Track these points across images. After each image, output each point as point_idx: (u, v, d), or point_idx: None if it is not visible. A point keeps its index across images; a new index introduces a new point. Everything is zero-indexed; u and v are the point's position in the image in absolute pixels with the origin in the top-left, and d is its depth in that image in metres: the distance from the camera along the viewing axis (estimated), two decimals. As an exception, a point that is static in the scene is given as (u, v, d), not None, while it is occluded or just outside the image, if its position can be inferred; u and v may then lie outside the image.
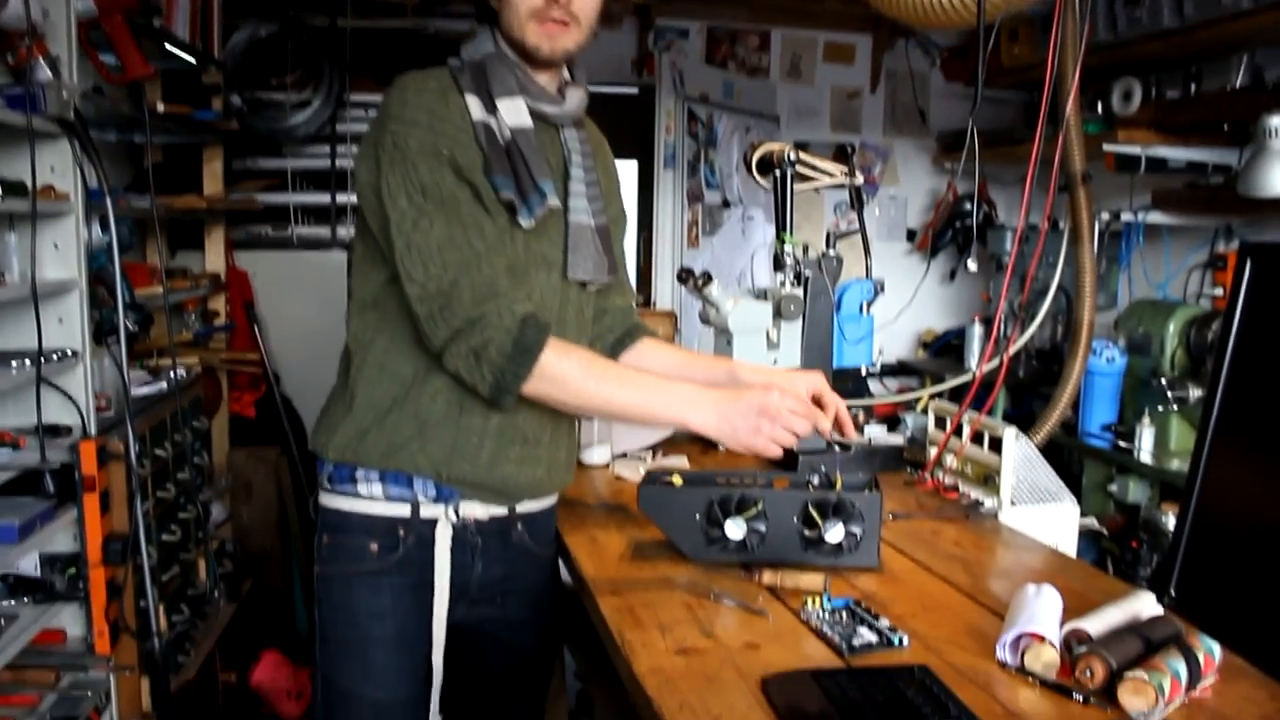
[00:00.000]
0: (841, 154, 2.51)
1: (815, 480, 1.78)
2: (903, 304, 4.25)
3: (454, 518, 1.72)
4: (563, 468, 1.86)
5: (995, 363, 2.45)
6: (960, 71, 5.23)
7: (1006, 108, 5.24)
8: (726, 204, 4.83)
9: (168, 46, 3.20)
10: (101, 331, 2.52)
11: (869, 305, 2.56)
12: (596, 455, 2.37)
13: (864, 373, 2.72)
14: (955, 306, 5.36)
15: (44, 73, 2.30)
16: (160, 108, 3.12)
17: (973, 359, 4.55)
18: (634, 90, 5.11)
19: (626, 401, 1.63)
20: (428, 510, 1.71)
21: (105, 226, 2.44)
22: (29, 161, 2.24)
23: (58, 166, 2.42)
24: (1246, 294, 1.21)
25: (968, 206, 5.25)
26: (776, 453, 1.63)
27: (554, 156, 1.74)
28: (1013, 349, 2.59)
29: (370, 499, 1.71)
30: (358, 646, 1.73)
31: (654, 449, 2.46)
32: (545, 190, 1.63)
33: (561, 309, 1.76)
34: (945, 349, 5.14)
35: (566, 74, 1.79)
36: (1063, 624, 1.40)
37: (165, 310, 3.00)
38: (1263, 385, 1.18)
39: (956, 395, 4.38)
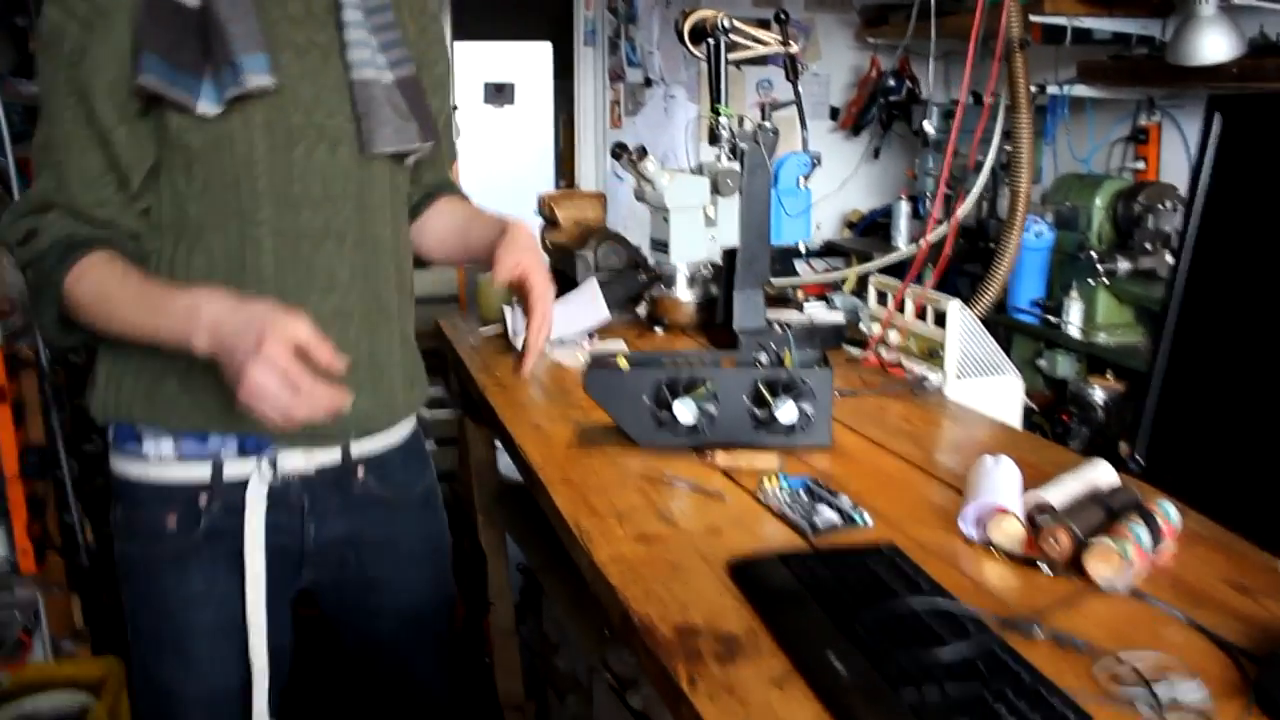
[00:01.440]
0: (776, 22, 2.41)
1: (764, 358, 1.73)
2: (829, 184, 4.21)
3: (269, 474, 1.44)
4: (400, 386, 1.55)
5: (940, 232, 2.42)
6: (883, -60, 5.11)
7: (930, -23, 5.15)
8: (649, 82, 4.70)
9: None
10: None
11: (806, 179, 2.50)
12: (531, 341, 2.29)
13: (802, 249, 2.67)
14: (880, 186, 5.33)
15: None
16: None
17: (900, 238, 4.53)
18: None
19: (130, 322, 1.30)
20: (234, 468, 1.43)
21: (-8, 108, 2.27)
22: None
23: None
24: (1216, 150, 1.17)
25: (890, 83, 5.19)
26: (267, 419, 1.19)
27: (315, 3, 1.40)
28: (960, 213, 2.56)
29: (160, 460, 1.43)
30: (173, 637, 1.47)
31: (590, 334, 2.39)
32: (245, 65, 1.29)
33: (362, 194, 1.45)
34: (871, 228, 5.11)
35: None
36: (1022, 496, 1.38)
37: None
38: (1232, 244, 1.15)
39: (886, 275, 4.41)
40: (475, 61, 7.39)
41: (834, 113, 5.33)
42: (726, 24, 2.30)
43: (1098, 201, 3.28)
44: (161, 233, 1.39)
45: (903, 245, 4.59)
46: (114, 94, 1.30)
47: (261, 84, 1.31)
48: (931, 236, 2.26)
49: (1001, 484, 1.38)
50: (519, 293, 1.53)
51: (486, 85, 7.83)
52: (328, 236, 1.43)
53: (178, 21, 1.29)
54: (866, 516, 1.41)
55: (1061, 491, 1.38)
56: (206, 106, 1.31)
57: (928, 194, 4.74)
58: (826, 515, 1.41)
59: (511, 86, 7.89)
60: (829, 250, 5.02)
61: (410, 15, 1.54)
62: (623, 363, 1.71)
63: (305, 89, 1.39)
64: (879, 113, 5.19)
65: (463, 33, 5.32)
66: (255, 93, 1.32)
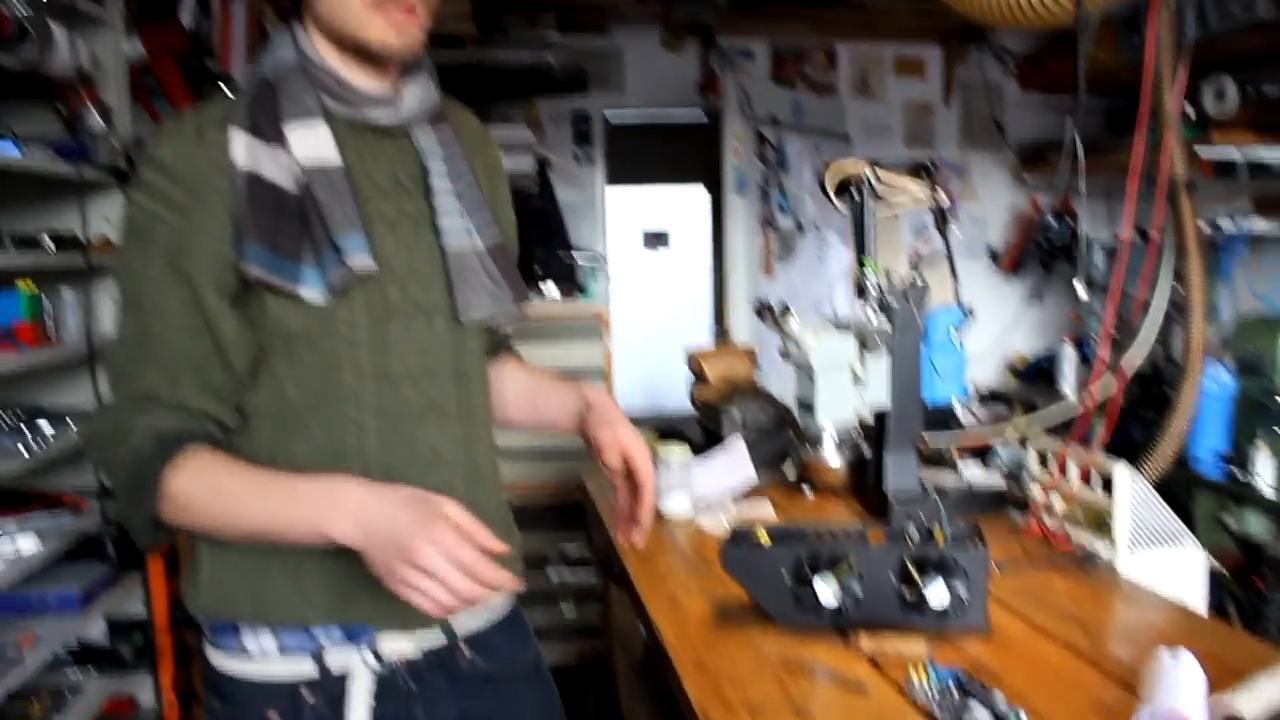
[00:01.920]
0: (923, 171, 2.35)
1: (913, 532, 1.62)
2: (989, 328, 4.07)
3: (374, 662, 1.37)
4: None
5: (1106, 386, 2.27)
6: (1037, 80, 5.05)
7: (1090, 117, 5.03)
8: (800, 229, 4.69)
9: (222, 87, 3.15)
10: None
11: (958, 332, 2.40)
12: (675, 504, 2.23)
13: (956, 406, 2.55)
14: (1044, 328, 5.16)
15: (95, 121, 2.25)
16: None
17: (1066, 384, 4.35)
18: (700, 115, 5.02)
19: (248, 516, 1.25)
20: (337, 659, 1.36)
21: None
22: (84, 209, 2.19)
23: (113, 216, 2.36)
24: None
25: (1052, 222, 5.04)
26: (426, 607, 1.16)
27: (402, 173, 1.39)
28: (1126, 364, 2.41)
29: (262, 656, 1.36)
30: None
31: (735, 495, 2.31)
32: (347, 247, 1.27)
33: (458, 364, 1.43)
34: (1036, 373, 4.93)
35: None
36: (1207, 701, 1.23)
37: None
38: None
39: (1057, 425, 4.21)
40: (631, 206, 7.53)
41: (993, 253, 5.22)
42: (871, 176, 2.25)
43: (1283, 345, 3.07)
44: (260, 420, 1.35)
45: (1069, 393, 4.41)
46: (218, 282, 1.28)
47: (365, 266, 1.29)
48: (1097, 391, 2.12)
49: (1181, 686, 1.24)
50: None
51: (645, 233, 7.95)
52: (429, 411, 1.40)
53: (277, 206, 1.28)
54: (1024, 717, 1.28)
55: (1256, 700, 1.23)
56: (310, 292, 1.29)
57: (1094, 337, 4.57)
58: (978, 716, 1.28)
59: (667, 232, 7.99)
60: (991, 397, 4.85)
61: (485, 177, 1.52)
62: (762, 536, 1.63)
63: (400, 263, 1.37)
64: (1040, 253, 5.06)
65: (616, 178, 5.45)
66: (362, 273, 1.30)
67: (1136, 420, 3.77)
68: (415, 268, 1.38)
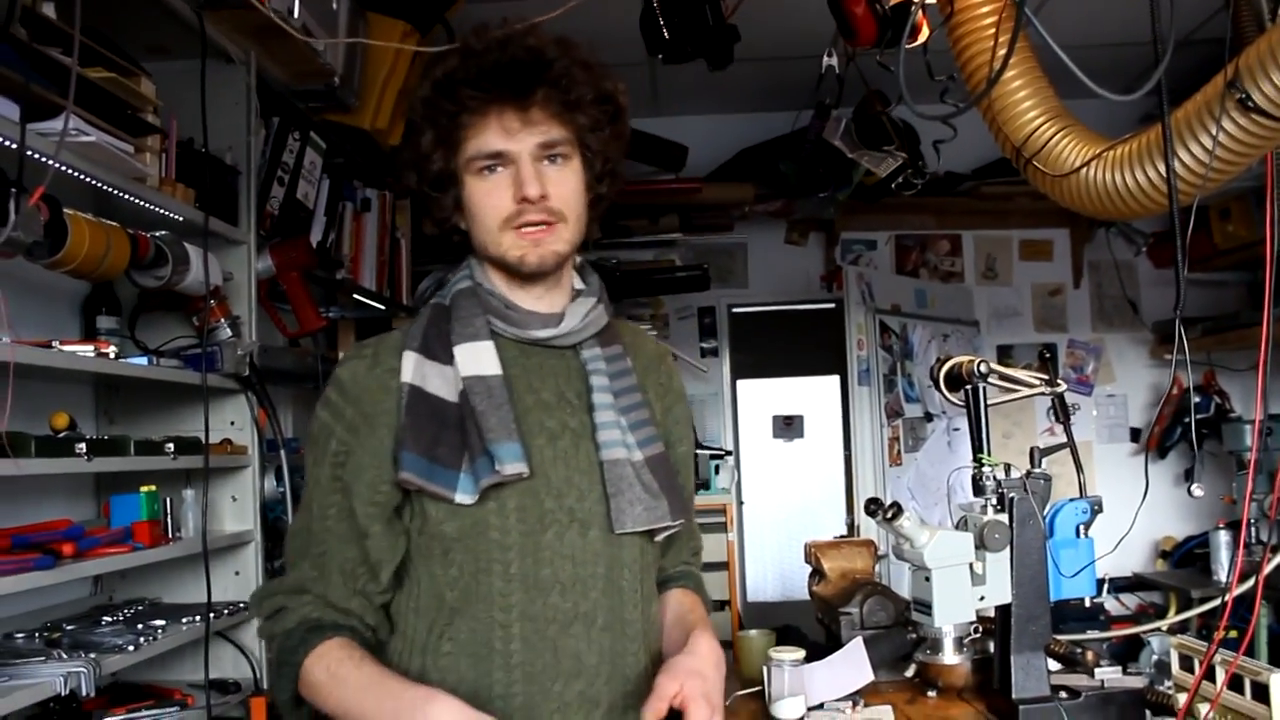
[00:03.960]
0: (1040, 360, 2.29)
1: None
2: (1132, 510, 3.83)
3: None
4: None
5: (1250, 583, 2.11)
6: (1169, 256, 4.92)
7: (1227, 290, 4.91)
8: (929, 417, 4.60)
9: (356, 297, 3.31)
10: (277, 585, 2.49)
11: (1086, 528, 2.28)
12: (789, 710, 2.13)
13: (1087, 604, 2.40)
14: (1195, 509, 4.89)
15: (224, 332, 2.36)
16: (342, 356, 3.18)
17: (1221, 570, 4.09)
18: (827, 305, 5.04)
19: (356, 704, 1.32)
20: None
21: (280, 479, 2.45)
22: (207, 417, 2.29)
23: (238, 420, 2.46)
24: None
25: (1196, 400, 4.86)
26: None
27: (566, 387, 1.46)
28: (1268, 567, 2.24)
29: None
30: None
31: (854, 699, 2.20)
32: (501, 454, 1.33)
33: (611, 576, 1.43)
34: (1187, 558, 4.65)
35: (577, 280, 1.53)
36: None
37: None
38: None
39: (1213, 614, 3.95)
40: (761, 397, 7.53)
41: (1135, 434, 5.03)
42: (984, 369, 2.19)
43: None
44: (413, 618, 1.42)
45: (1224, 578, 4.14)
46: (373, 495, 1.38)
47: (516, 471, 1.34)
48: (1238, 588, 1.97)
49: None
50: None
51: (775, 419, 7.93)
52: (575, 620, 1.40)
53: (438, 417, 1.36)
54: None
55: None
56: (463, 496, 1.35)
57: (1251, 520, 4.30)
58: None
59: (800, 419, 7.96)
60: (1140, 584, 4.58)
61: (657, 395, 1.58)
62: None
63: (557, 473, 1.41)
64: (1186, 432, 4.86)
65: (745, 371, 5.47)
66: (510, 480, 1.35)
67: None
68: (572, 479, 1.42)
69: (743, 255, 5.04)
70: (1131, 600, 4.67)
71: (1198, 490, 2.13)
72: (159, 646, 2.05)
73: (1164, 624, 2.51)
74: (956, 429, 4.64)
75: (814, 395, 7.75)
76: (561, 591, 1.39)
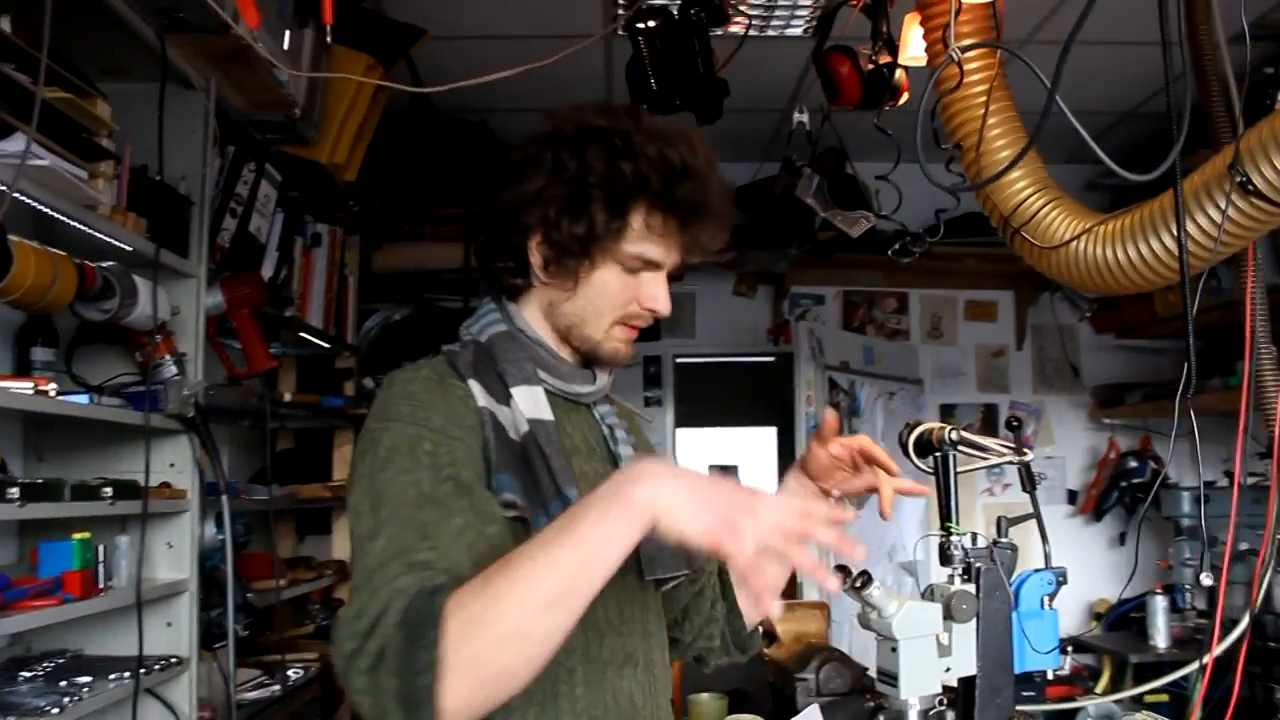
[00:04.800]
0: (1008, 429, 2.26)
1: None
2: (1069, 573, 3.84)
3: None
4: None
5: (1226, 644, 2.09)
6: (1111, 323, 5.02)
7: (1164, 357, 5.01)
8: (874, 472, 4.59)
9: (302, 335, 3.20)
10: (211, 636, 2.37)
11: (1051, 599, 2.26)
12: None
13: (1049, 676, 2.38)
14: (1127, 573, 4.92)
15: (169, 369, 2.26)
16: (288, 397, 3.08)
17: (1158, 635, 4.12)
18: (770, 359, 5.02)
19: (556, 559, 1.11)
20: None
21: (220, 525, 2.33)
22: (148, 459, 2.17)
23: (178, 462, 2.34)
24: None
25: (1132, 464, 4.93)
26: (747, 564, 1.07)
27: (590, 437, 1.49)
28: (1219, 644, 2.23)
29: None
30: None
31: (811, 770, 2.14)
32: (570, 495, 1.30)
33: (645, 619, 1.47)
34: (1121, 621, 4.68)
35: None
36: None
37: (278, 607, 2.84)
38: None
39: (1144, 675, 3.95)
40: (699, 446, 7.50)
41: (1071, 496, 5.08)
42: (954, 437, 2.16)
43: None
44: None
45: (1160, 643, 4.17)
46: (493, 499, 1.28)
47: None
48: (1217, 650, 1.95)
49: None
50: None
51: (711, 467, 7.90)
52: (627, 662, 1.42)
53: (513, 451, 1.33)
54: None
55: None
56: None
57: (1186, 586, 4.35)
58: None
59: (736, 468, 7.94)
60: (1076, 646, 4.60)
61: (646, 450, 1.64)
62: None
63: None
64: (1121, 496, 4.92)
65: (684, 422, 5.43)
66: None
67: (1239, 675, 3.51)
68: None
69: (691, 305, 5.01)
70: (1066, 661, 4.67)
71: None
72: (84, 707, 1.91)
73: (1140, 690, 2.50)
74: (899, 487, 4.62)
75: (751, 446, 7.74)
76: (614, 633, 1.41)
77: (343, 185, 3.08)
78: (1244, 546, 4.09)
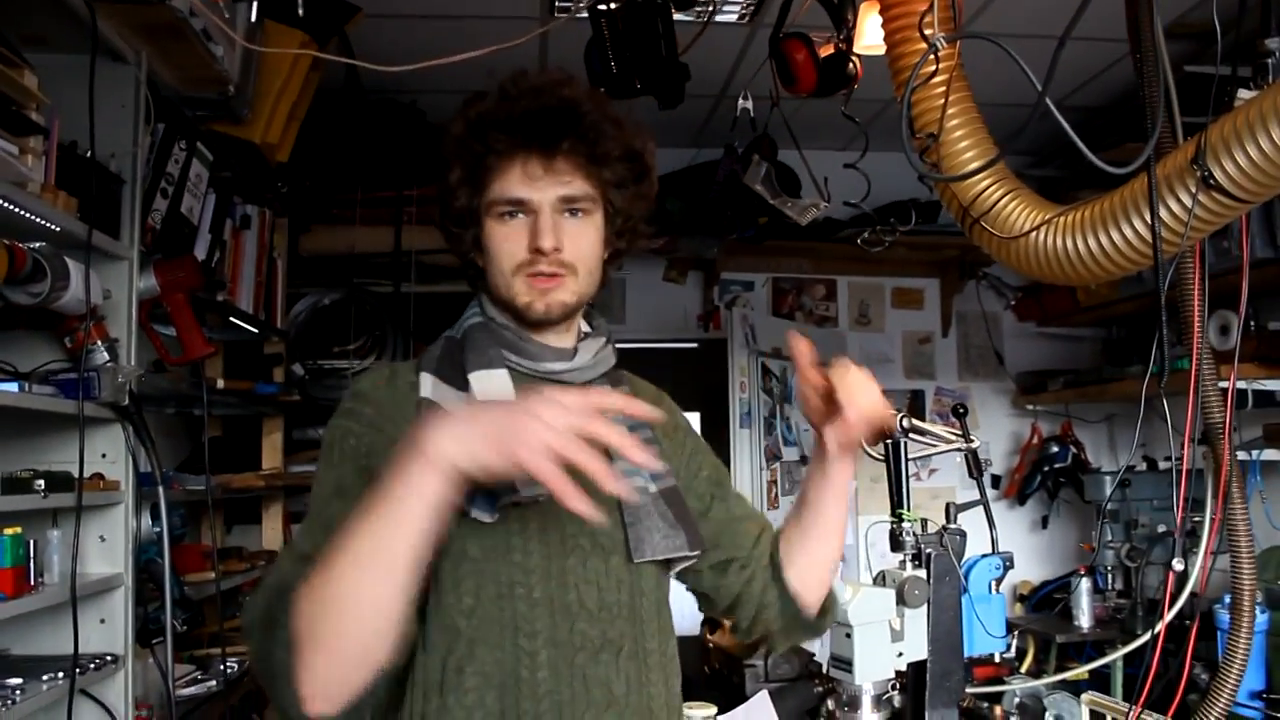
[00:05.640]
0: (955, 416, 2.29)
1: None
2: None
3: None
4: None
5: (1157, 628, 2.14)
6: (1034, 311, 5.12)
7: (1084, 344, 5.14)
8: (804, 460, 4.61)
9: (232, 319, 3.11)
10: (147, 632, 2.29)
11: (999, 584, 2.29)
12: (698, 769, 2.06)
13: (997, 659, 2.42)
14: (1049, 555, 5.07)
15: (101, 356, 2.17)
16: (220, 384, 2.99)
17: (1083, 616, 4.21)
18: (692, 344, 5.03)
19: (359, 534, 1.14)
20: None
21: (156, 516, 2.25)
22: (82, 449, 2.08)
23: (110, 453, 2.26)
24: None
25: (1054, 449, 5.04)
26: (540, 468, 1.11)
27: None
28: (1180, 602, 2.29)
29: None
30: None
31: (763, 757, 2.14)
32: (518, 477, 1.24)
33: (634, 604, 1.44)
34: (1045, 602, 4.78)
35: (584, 325, 1.54)
36: None
37: (218, 599, 2.75)
38: None
39: (1066, 655, 4.04)
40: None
41: (995, 480, 5.17)
42: (906, 424, 2.17)
43: (1317, 578, 2.96)
44: (426, 654, 1.32)
45: (1084, 624, 4.27)
46: None
47: (534, 493, 1.29)
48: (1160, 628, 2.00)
49: None
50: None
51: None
52: (603, 648, 1.39)
53: None
54: None
55: None
56: (480, 513, 1.30)
57: (1107, 567, 4.45)
58: None
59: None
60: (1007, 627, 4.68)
61: (664, 432, 1.57)
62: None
63: None
64: (1044, 480, 5.03)
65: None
66: (527, 501, 1.32)
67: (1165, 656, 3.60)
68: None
69: (620, 291, 4.98)
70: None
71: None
72: (17, 712, 1.83)
73: (1080, 672, 2.54)
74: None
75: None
76: (589, 618, 1.38)
77: (274, 166, 2.99)
78: (1162, 529, 4.22)
